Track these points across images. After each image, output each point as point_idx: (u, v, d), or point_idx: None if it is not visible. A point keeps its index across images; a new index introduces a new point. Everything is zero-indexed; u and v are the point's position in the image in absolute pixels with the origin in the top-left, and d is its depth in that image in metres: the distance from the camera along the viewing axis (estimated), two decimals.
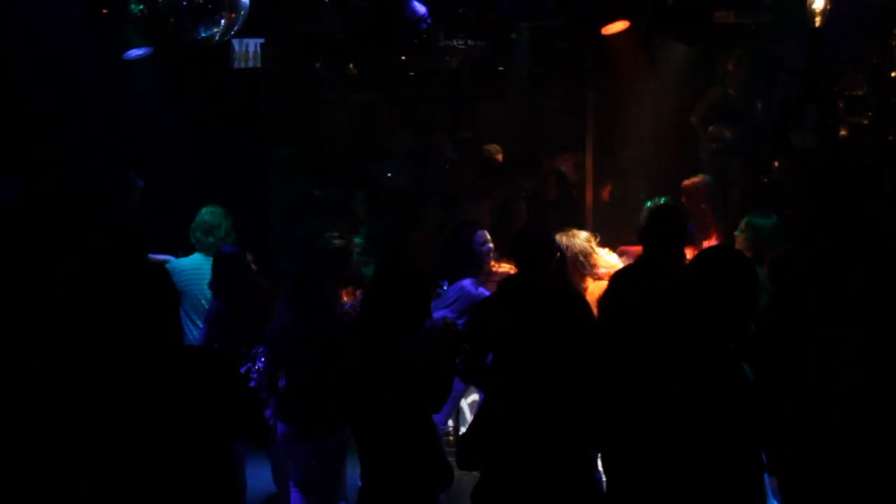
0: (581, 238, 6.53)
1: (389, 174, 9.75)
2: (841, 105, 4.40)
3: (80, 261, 5.82)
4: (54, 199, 7.68)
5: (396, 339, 4.55)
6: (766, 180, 4.30)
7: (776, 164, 4.38)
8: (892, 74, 4.19)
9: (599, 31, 8.84)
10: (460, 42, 9.41)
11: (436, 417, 5.05)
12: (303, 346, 5.85)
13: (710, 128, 9.42)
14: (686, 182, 7.70)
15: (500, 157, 9.48)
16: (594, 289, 6.29)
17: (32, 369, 4.72)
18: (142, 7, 7.63)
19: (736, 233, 6.54)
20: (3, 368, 4.68)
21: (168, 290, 4.18)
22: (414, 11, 7.73)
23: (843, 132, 4.95)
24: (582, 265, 6.46)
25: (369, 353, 4.59)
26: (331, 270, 6.44)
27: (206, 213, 7.18)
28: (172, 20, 7.67)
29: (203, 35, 7.69)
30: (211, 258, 6.65)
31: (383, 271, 5.48)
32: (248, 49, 9.21)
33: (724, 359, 3.90)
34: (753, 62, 9.27)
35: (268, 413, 5.98)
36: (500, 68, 10.19)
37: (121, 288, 4.17)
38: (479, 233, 6.39)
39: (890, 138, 4.01)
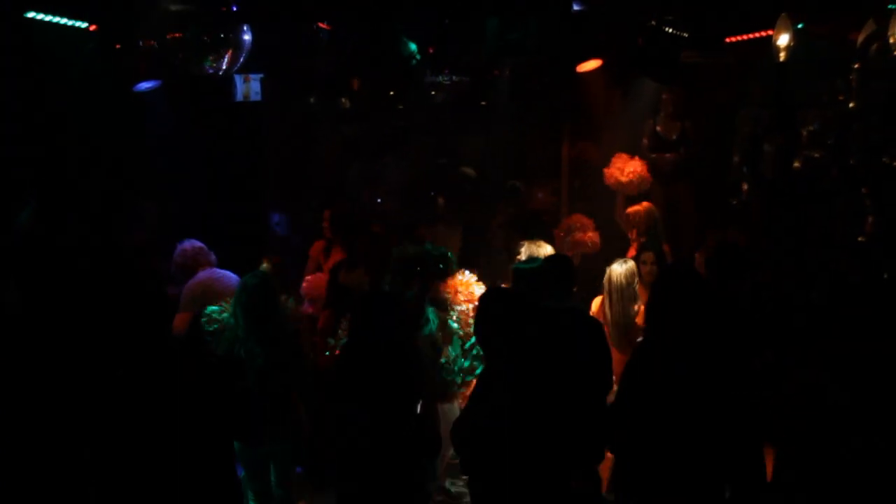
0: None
1: (379, 200, 9.71)
2: (803, 136, 4.42)
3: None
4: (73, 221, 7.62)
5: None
6: (735, 202, 4.33)
7: (745, 187, 4.41)
8: (851, 105, 4.19)
9: (574, 69, 8.87)
10: (445, 78, 9.41)
11: None
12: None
13: (653, 156, 9.57)
14: (629, 209, 7.96)
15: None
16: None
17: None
18: (152, 42, 7.59)
19: None
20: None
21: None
22: (405, 48, 7.73)
23: (797, 164, 4.99)
24: None
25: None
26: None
27: None
28: (180, 56, 7.66)
29: (208, 70, 7.69)
30: None
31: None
32: (250, 84, 9.18)
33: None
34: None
35: None
36: (483, 102, 10.20)
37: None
38: None
39: (850, 162, 4.03)
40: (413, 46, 7.79)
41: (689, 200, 9.56)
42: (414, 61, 7.88)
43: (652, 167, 9.07)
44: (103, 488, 4.02)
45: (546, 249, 6.75)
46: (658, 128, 9.40)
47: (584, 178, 10.14)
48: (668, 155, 9.28)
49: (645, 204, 8.00)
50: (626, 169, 8.81)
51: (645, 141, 9.51)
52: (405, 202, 9.66)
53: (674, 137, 9.52)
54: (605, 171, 8.93)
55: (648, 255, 7.36)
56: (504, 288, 5.74)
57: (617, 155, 8.93)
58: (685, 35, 7.94)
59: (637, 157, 8.91)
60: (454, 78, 9.38)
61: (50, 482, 4.54)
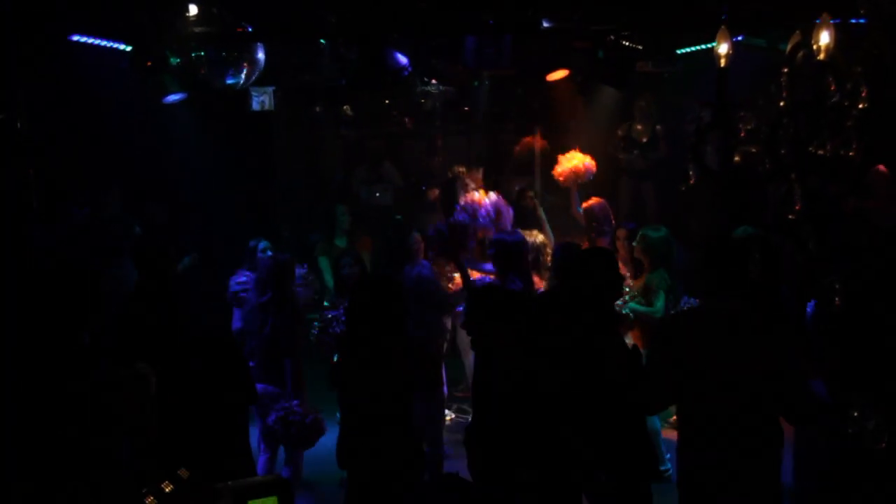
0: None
1: (378, 195, 9.76)
2: (741, 134, 4.49)
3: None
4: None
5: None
6: (683, 188, 4.43)
7: (692, 176, 4.51)
8: (780, 104, 4.28)
9: (545, 78, 8.95)
10: (433, 87, 9.46)
11: None
12: None
13: (622, 156, 9.67)
14: (584, 204, 7.94)
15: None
16: None
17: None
18: (178, 59, 7.62)
19: (634, 243, 6.71)
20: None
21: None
22: (397, 62, 7.76)
23: (737, 158, 5.10)
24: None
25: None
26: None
27: None
28: (203, 71, 7.70)
29: (229, 83, 7.73)
30: None
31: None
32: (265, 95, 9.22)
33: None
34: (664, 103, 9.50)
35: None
36: (465, 108, 10.27)
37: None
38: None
39: (781, 152, 4.12)
40: (404, 60, 7.82)
41: (651, 195, 9.70)
42: (405, 73, 7.91)
43: (624, 166, 9.16)
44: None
45: (538, 237, 6.87)
46: (638, 126, 9.51)
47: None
48: (637, 154, 9.43)
49: (595, 199, 7.97)
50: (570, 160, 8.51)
51: (619, 138, 9.63)
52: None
53: (644, 140, 9.64)
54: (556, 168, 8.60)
55: (621, 232, 7.33)
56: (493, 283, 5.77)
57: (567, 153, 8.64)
58: (640, 48, 8.01)
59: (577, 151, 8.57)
60: (441, 87, 9.43)
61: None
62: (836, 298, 4.17)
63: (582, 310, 4.24)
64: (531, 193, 8.71)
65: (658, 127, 9.68)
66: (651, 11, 7.62)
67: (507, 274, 6.14)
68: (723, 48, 4.26)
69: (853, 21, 5.01)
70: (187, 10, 7.20)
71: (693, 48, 8.59)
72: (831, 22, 3.98)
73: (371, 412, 4.43)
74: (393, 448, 4.42)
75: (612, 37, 8.02)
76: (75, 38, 7.15)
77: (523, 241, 6.47)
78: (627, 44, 7.99)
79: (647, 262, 6.56)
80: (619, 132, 9.75)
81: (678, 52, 8.54)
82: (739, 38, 7.57)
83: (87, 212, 7.18)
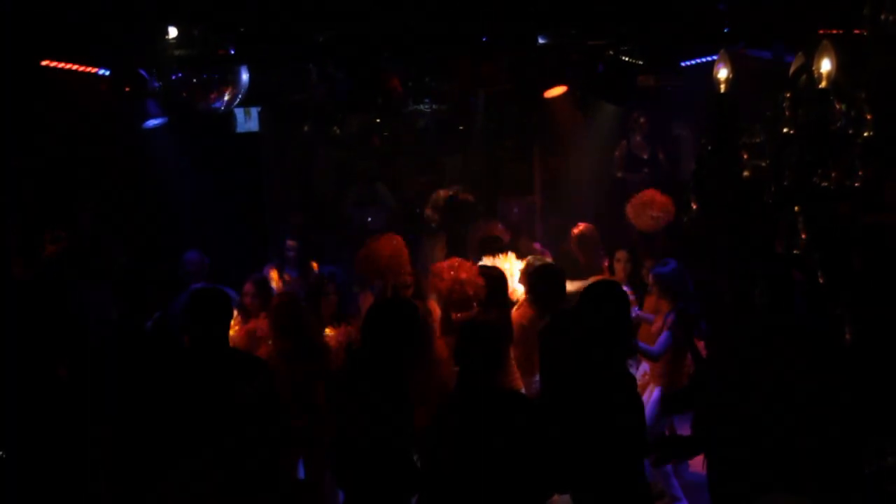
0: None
1: (370, 218, 9.80)
2: (745, 156, 4.55)
3: None
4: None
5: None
6: (686, 219, 4.48)
7: (694, 206, 4.55)
8: (784, 130, 4.34)
9: (542, 95, 8.97)
10: (426, 106, 9.52)
11: None
12: None
13: (621, 175, 9.71)
14: (575, 229, 7.94)
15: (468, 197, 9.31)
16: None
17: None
18: (159, 83, 7.69)
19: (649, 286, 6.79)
20: None
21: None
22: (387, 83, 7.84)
23: (746, 173, 5.16)
24: None
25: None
26: None
27: None
28: (185, 94, 7.76)
29: (212, 107, 7.80)
30: None
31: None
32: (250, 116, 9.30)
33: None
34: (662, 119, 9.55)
35: None
36: (461, 127, 10.33)
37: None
38: None
39: (784, 183, 4.17)
40: (395, 80, 7.90)
41: None
42: (397, 94, 7.98)
43: (622, 185, 9.18)
44: None
45: (504, 263, 6.93)
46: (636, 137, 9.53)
47: (556, 193, 10.29)
48: (637, 174, 9.46)
49: (584, 224, 8.03)
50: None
51: (617, 157, 9.65)
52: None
53: (644, 157, 9.69)
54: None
55: (622, 254, 7.43)
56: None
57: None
58: (640, 62, 8.08)
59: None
60: (434, 106, 9.49)
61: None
62: (847, 333, 4.24)
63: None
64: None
65: (657, 145, 9.71)
66: (652, 24, 7.69)
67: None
68: (722, 73, 4.33)
69: (857, 32, 5.05)
70: (167, 33, 7.26)
71: (696, 60, 8.65)
72: (834, 33, 4.04)
73: None
74: None
75: (612, 51, 8.10)
76: (47, 62, 7.22)
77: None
78: (627, 58, 8.07)
79: (669, 300, 6.60)
80: (617, 152, 9.76)
81: (682, 63, 8.60)
82: (741, 45, 7.64)
83: (63, 243, 7.19)
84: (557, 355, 4.70)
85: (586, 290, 4.41)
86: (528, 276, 6.58)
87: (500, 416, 4.01)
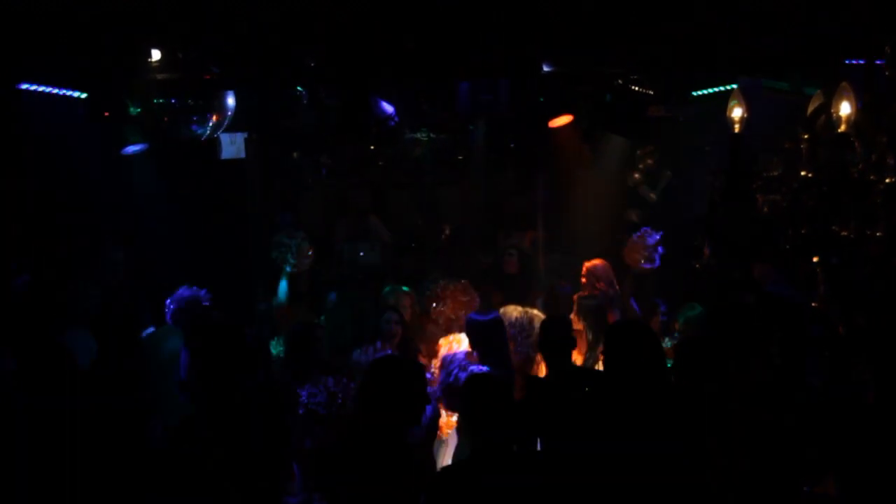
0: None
1: (362, 253, 9.74)
2: (759, 199, 4.53)
3: None
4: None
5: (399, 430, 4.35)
6: (697, 266, 4.43)
7: (706, 251, 4.51)
8: (801, 172, 4.31)
9: (547, 124, 8.93)
10: (423, 135, 9.51)
11: None
12: None
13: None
14: (587, 264, 7.83)
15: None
16: None
17: None
18: (140, 108, 7.66)
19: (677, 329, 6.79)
20: None
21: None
22: (382, 111, 7.82)
23: (765, 209, 5.14)
24: None
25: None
26: None
27: None
28: (167, 120, 7.75)
29: (195, 133, 7.78)
30: None
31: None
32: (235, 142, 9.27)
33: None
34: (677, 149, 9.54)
35: None
36: (460, 157, 10.30)
37: None
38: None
39: (802, 231, 4.14)
40: (390, 109, 7.88)
41: None
42: (392, 122, 7.96)
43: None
44: None
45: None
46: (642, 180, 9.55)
47: (560, 228, 10.25)
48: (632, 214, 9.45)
49: (598, 260, 7.94)
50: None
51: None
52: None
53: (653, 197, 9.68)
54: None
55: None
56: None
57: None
58: (650, 92, 8.08)
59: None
60: (431, 135, 9.48)
61: None
62: (871, 391, 4.17)
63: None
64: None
65: (667, 174, 9.69)
66: (662, 53, 7.68)
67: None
68: (736, 112, 4.31)
69: (878, 63, 5.02)
70: (149, 56, 7.25)
71: (709, 90, 8.66)
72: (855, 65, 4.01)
73: None
74: None
75: (620, 81, 8.10)
76: (24, 86, 7.22)
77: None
78: (637, 88, 8.06)
79: None
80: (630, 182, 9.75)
81: (693, 94, 8.60)
82: (755, 75, 7.65)
83: (27, 280, 7.12)
84: None
85: None
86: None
87: None
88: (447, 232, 8.66)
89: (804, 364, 4.44)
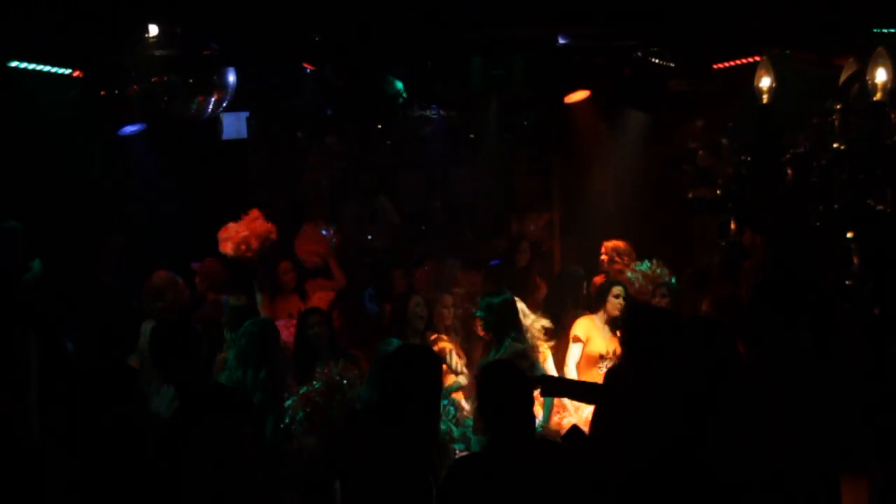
0: None
1: (370, 237, 9.74)
2: (789, 172, 4.50)
3: None
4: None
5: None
6: (723, 243, 4.41)
7: (732, 227, 4.49)
8: (833, 145, 4.28)
9: (562, 101, 8.89)
10: (433, 112, 9.47)
11: None
12: None
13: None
14: (607, 243, 8.07)
15: None
16: None
17: None
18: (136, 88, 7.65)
19: None
20: None
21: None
22: (391, 89, 7.81)
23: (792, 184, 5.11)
24: None
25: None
26: None
27: None
28: (166, 99, 7.72)
29: (194, 112, 7.76)
30: None
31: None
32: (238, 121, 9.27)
33: None
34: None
35: None
36: (471, 136, 10.26)
37: None
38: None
39: (835, 206, 4.11)
40: (399, 85, 7.85)
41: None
42: (400, 99, 7.94)
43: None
44: None
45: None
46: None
47: (576, 209, 10.22)
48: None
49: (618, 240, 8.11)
50: None
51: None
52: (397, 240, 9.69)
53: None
54: None
55: (618, 289, 7.41)
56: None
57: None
58: (671, 65, 8.03)
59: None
60: (442, 112, 9.44)
61: None
62: None
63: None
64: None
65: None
66: (683, 24, 7.63)
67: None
68: (765, 82, 4.28)
69: None
70: (147, 31, 7.24)
71: (735, 62, 8.58)
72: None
73: None
74: None
75: (640, 53, 8.06)
76: (15, 63, 7.21)
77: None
78: (657, 61, 8.02)
79: None
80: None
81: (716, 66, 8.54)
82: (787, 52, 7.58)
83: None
84: None
85: None
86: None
87: None
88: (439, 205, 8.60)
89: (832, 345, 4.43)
